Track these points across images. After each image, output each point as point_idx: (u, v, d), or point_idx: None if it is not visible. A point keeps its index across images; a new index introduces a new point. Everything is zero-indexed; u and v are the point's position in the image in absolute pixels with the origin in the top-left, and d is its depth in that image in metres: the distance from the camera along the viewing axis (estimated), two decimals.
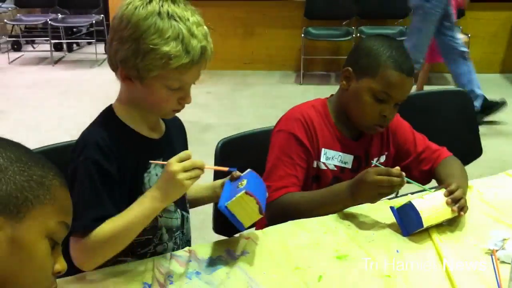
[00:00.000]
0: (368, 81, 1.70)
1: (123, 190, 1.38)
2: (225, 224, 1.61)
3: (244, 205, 1.32)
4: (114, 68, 1.40)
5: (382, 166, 1.61)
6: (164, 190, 1.30)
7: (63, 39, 7.36)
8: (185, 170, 1.28)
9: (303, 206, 1.66)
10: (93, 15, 7.19)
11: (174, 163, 1.29)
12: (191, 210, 1.62)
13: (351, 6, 6.16)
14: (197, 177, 1.31)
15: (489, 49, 6.25)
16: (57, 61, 7.08)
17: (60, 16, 7.13)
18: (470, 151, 2.53)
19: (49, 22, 6.85)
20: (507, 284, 1.24)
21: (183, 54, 1.31)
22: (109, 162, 1.34)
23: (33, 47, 7.73)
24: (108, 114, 1.45)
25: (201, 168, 1.31)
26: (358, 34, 5.97)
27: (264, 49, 6.44)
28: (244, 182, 1.37)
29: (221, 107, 5.35)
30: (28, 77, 6.41)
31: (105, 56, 7.06)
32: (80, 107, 5.37)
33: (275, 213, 1.65)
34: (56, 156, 1.33)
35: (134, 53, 1.32)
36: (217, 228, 1.98)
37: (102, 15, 7.09)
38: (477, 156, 2.54)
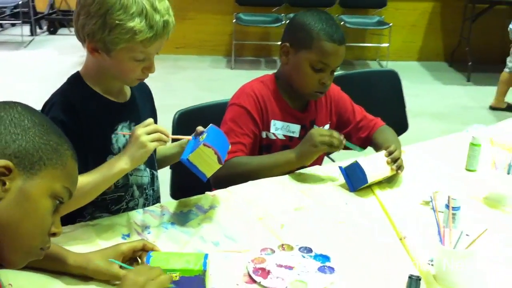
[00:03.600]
0: (305, 53, 1.87)
1: (89, 149, 1.48)
2: (181, 188, 1.74)
3: (204, 156, 1.45)
4: (81, 40, 1.49)
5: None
6: (130, 152, 1.42)
7: None
8: (149, 134, 1.42)
9: (251, 166, 1.83)
10: None
11: (138, 128, 1.43)
12: None
13: None
14: (160, 139, 1.43)
15: (408, 38, 6.66)
16: None
17: None
18: (398, 125, 2.79)
19: None
20: (444, 224, 1.47)
21: (146, 29, 1.42)
22: (74, 122, 1.45)
23: None
24: (75, 80, 1.55)
25: (164, 133, 1.44)
26: (288, 21, 6.18)
27: (195, 34, 6.53)
28: (204, 135, 1.50)
29: (156, 89, 5.25)
30: None
31: (31, 38, 7.03)
32: (12, 88, 5.27)
33: (223, 175, 1.79)
34: None
35: (101, 28, 1.41)
36: (175, 195, 2.11)
37: None
38: (404, 130, 2.81)
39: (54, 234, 1.06)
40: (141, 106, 1.67)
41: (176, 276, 1.19)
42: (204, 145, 1.43)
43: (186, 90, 5.41)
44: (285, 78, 1.98)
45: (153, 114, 1.75)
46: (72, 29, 6.07)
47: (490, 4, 6.00)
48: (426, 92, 5.64)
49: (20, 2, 6.88)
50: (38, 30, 7.45)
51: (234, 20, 6.24)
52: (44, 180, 1.00)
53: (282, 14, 6.33)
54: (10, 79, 5.55)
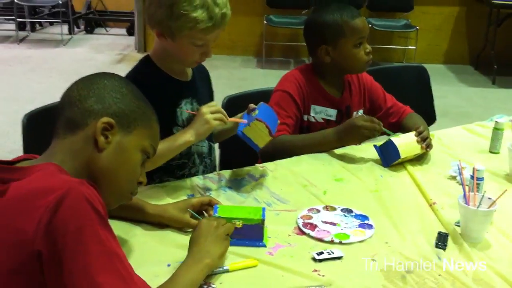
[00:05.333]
0: (343, 41, 2.10)
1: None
2: (228, 164, 1.97)
3: (257, 129, 1.67)
4: (151, 26, 1.74)
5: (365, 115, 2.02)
6: (195, 127, 1.66)
7: (27, 19, 7.46)
8: (212, 113, 1.64)
9: (295, 143, 2.04)
10: None
11: (204, 107, 1.66)
12: None
13: None
14: (221, 119, 1.66)
15: (434, 41, 6.82)
16: (21, 40, 7.19)
17: None
18: (425, 118, 2.98)
19: (15, 0, 6.94)
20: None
21: (207, 19, 1.64)
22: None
23: None
24: (145, 61, 1.80)
25: (225, 115, 1.66)
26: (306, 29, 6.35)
27: (227, 34, 6.75)
28: (256, 111, 1.72)
29: None
30: None
31: (70, 36, 7.35)
32: (51, 82, 5.58)
33: (271, 150, 1.99)
34: None
35: (168, 16, 1.65)
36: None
37: None
38: (432, 123, 2.99)
39: (140, 183, 1.28)
40: (200, 85, 1.90)
41: (239, 224, 1.41)
42: (257, 119, 1.65)
43: (217, 88, 5.52)
44: (330, 70, 2.17)
45: (210, 93, 1.98)
46: (108, 29, 6.55)
47: None
48: (451, 94, 5.78)
49: (60, 2, 7.18)
50: (75, 29, 7.76)
51: (265, 22, 6.46)
52: (136, 137, 1.22)
53: None
54: (53, 75, 5.85)
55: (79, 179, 1.09)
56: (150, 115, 1.26)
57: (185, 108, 1.79)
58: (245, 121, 1.70)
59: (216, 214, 1.44)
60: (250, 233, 1.42)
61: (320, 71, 2.21)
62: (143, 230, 1.48)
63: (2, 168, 1.14)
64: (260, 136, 1.68)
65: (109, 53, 6.83)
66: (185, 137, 1.64)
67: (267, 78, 6.15)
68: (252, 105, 1.77)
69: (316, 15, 2.17)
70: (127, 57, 6.69)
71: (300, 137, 2.08)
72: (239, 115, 1.81)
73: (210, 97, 1.97)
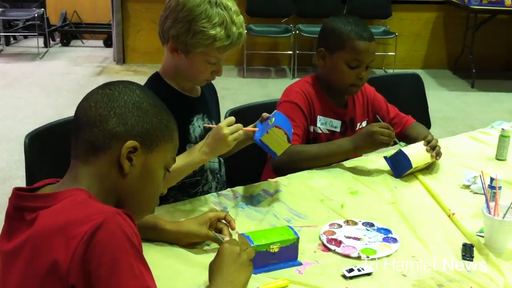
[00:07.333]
0: (340, 54, 2.08)
1: None
2: (233, 180, 1.95)
3: (275, 136, 1.64)
4: (164, 41, 1.70)
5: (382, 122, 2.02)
6: (213, 147, 1.60)
7: (2, 32, 7.31)
8: (232, 132, 1.60)
9: (310, 153, 2.02)
10: (34, 9, 7.22)
11: (224, 127, 1.59)
12: None
13: (289, 5, 6.59)
14: (239, 138, 1.62)
15: (412, 47, 6.89)
16: None
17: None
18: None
19: None
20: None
21: (224, 38, 1.62)
22: None
23: None
24: (155, 78, 1.76)
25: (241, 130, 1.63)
26: (297, 31, 6.39)
27: None
28: (273, 119, 1.68)
29: None
30: None
31: (46, 49, 7.21)
32: (31, 97, 5.46)
33: (285, 161, 1.94)
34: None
35: (185, 32, 1.62)
36: (227, 186, 2.29)
37: (42, 9, 7.14)
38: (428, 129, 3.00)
39: (161, 194, 1.25)
40: (209, 101, 1.87)
41: (276, 247, 1.37)
42: (276, 126, 1.62)
43: None
44: (325, 79, 2.18)
45: (217, 108, 1.96)
46: (84, 41, 6.46)
47: (492, 14, 6.24)
48: (432, 98, 5.78)
49: (36, 15, 7.07)
50: (51, 42, 7.63)
51: (245, 31, 6.42)
52: (159, 154, 1.17)
53: (291, 25, 6.54)
54: (33, 89, 5.74)
55: (115, 208, 1.05)
56: (172, 126, 1.21)
57: (197, 125, 1.76)
58: (256, 129, 1.67)
59: (252, 244, 1.36)
60: (286, 254, 1.39)
61: (323, 81, 2.20)
62: (162, 251, 1.44)
63: (28, 196, 1.10)
64: (278, 143, 1.65)
65: (87, 65, 6.73)
66: (202, 156, 1.60)
67: (250, 87, 6.15)
68: (265, 114, 1.74)
69: (332, 19, 2.16)
70: (106, 69, 6.60)
71: (314, 147, 2.06)
72: (251, 125, 1.78)
73: (217, 112, 1.95)
